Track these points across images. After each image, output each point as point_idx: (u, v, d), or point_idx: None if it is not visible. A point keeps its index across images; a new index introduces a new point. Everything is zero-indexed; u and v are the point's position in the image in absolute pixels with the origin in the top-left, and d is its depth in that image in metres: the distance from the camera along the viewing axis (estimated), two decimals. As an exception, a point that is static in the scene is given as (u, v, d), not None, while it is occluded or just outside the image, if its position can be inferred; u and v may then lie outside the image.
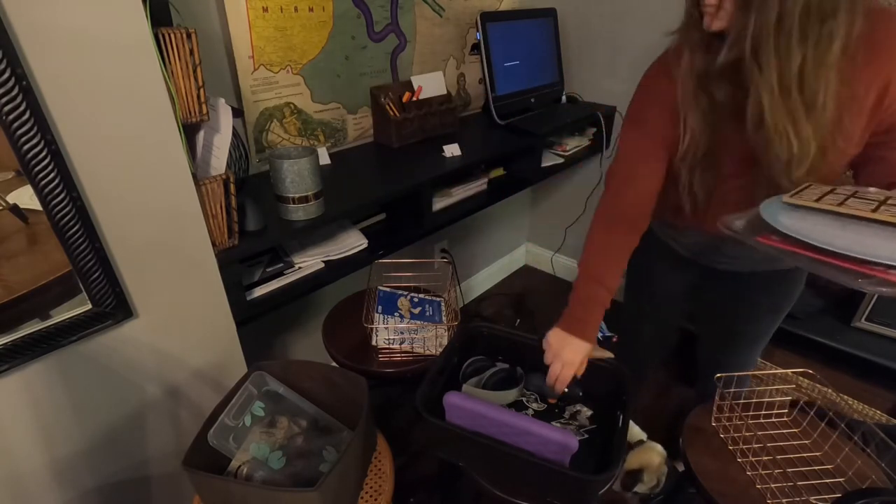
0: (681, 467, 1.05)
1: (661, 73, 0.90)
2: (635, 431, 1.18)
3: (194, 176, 0.92)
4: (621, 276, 0.97)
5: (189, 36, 0.85)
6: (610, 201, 0.98)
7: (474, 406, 0.84)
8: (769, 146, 0.79)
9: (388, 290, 1.31)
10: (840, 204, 0.70)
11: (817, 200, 0.72)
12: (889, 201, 0.70)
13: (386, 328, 1.21)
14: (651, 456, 1.10)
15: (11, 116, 0.68)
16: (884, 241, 0.64)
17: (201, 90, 0.89)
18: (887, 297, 0.61)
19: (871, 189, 0.75)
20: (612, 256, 0.96)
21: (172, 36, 0.83)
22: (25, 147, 0.70)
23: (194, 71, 0.87)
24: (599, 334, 2.13)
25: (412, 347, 1.21)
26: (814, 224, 0.69)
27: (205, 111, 0.91)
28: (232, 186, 0.98)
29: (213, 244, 0.99)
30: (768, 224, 0.71)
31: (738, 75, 0.77)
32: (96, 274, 0.83)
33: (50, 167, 0.73)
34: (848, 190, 0.75)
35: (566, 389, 0.95)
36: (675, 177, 0.93)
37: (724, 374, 1.03)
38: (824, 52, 0.71)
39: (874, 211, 0.67)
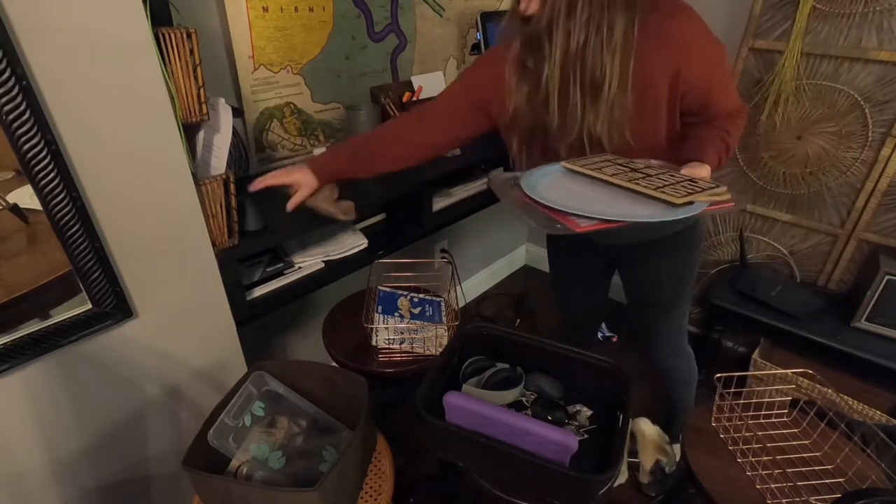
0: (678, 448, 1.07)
1: (490, 58, 1.04)
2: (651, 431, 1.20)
3: (194, 176, 0.92)
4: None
5: (189, 36, 0.85)
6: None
7: (474, 406, 0.84)
8: (553, 117, 0.92)
9: (388, 290, 1.31)
10: (598, 170, 0.88)
11: (585, 167, 0.90)
12: (648, 171, 0.88)
13: (386, 328, 1.21)
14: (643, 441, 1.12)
15: (11, 116, 0.68)
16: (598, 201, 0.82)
17: (201, 90, 0.89)
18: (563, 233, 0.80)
19: (641, 161, 0.92)
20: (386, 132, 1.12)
21: (172, 36, 0.83)
22: (25, 147, 0.70)
23: (194, 71, 0.87)
24: (600, 334, 2.13)
25: (412, 347, 1.21)
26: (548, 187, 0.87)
27: (205, 111, 0.91)
28: (232, 186, 0.98)
29: (213, 244, 0.99)
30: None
31: (533, 42, 0.89)
32: (96, 274, 0.83)
33: (50, 167, 0.73)
34: (622, 161, 0.92)
35: None
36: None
37: (723, 374, 1.03)
38: (607, 37, 0.84)
39: (626, 179, 0.84)
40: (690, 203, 0.78)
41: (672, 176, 0.86)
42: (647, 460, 1.38)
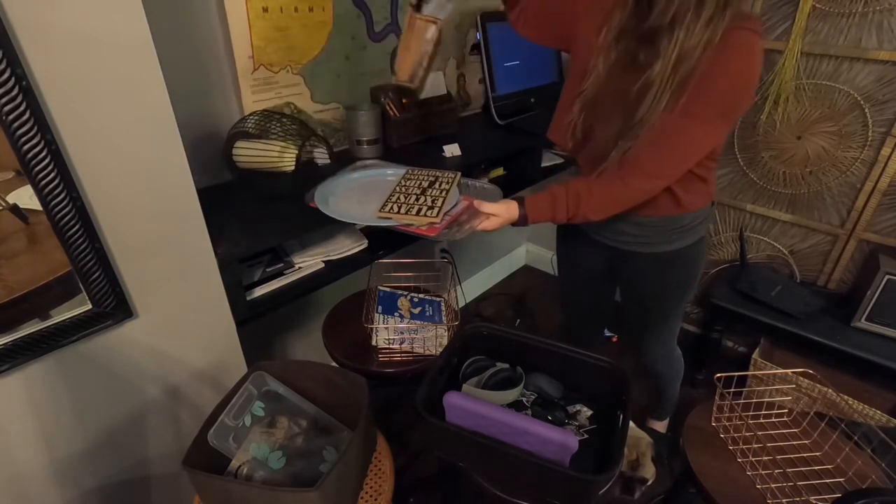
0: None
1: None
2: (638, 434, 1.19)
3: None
4: None
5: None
6: None
7: (474, 406, 0.84)
8: (638, 106, 0.89)
9: (388, 290, 1.31)
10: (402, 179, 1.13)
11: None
12: (428, 191, 1.07)
13: (386, 328, 1.21)
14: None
15: (11, 116, 0.68)
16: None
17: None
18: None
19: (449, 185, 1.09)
20: None
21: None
22: (25, 147, 0.70)
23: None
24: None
25: (412, 347, 1.21)
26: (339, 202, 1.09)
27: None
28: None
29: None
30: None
31: (651, 40, 0.86)
32: (96, 274, 0.83)
33: (50, 167, 0.73)
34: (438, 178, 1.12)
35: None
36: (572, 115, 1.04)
37: (723, 374, 1.03)
38: (712, 37, 0.82)
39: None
40: (389, 218, 1.00)
41: (431, 198, 1.04)
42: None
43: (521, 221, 1.00)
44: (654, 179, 0.96)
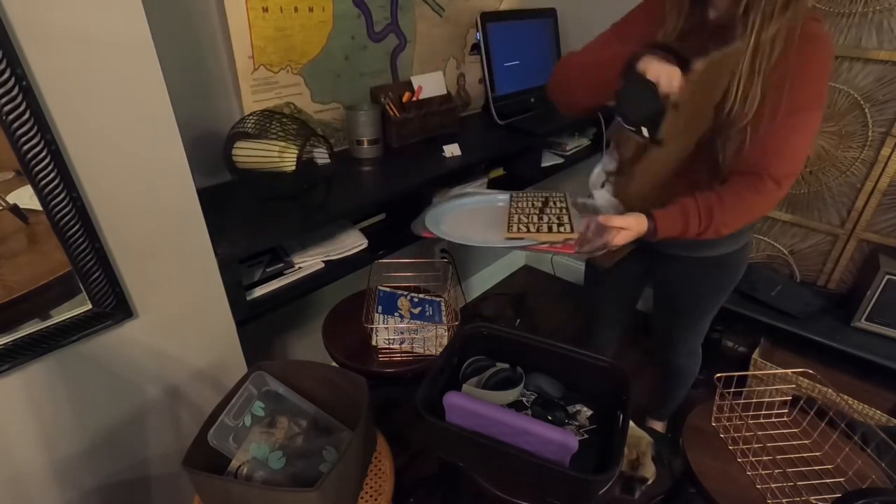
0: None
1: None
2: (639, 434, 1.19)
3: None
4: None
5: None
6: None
7: (474, 406, 0.84)
8: (723, 105, 0.87)
9: (388, 290, 1.31)
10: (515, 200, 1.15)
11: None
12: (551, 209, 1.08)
13: (386, 328, 1.21)
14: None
15: (11, 116, 0.68)
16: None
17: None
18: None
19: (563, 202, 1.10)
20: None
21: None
22: (25, 147, 0.70)
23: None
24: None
25: (412, 347, 1.21)
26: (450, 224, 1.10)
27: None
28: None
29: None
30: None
31: (722, 32, 0.84)
32: (96, 274, 0.83)
33: (50, 167, 0.73)
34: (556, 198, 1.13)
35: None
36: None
37: (723, 374, 1.03)
38: (791, 26, 0.81)
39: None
40: (520, 238, 0.99)
41: (554, 216, 1.04)
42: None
43: (649, 235, 0.96)
44: (785, 182, 0.92)
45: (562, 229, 0.99)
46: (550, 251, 0.99)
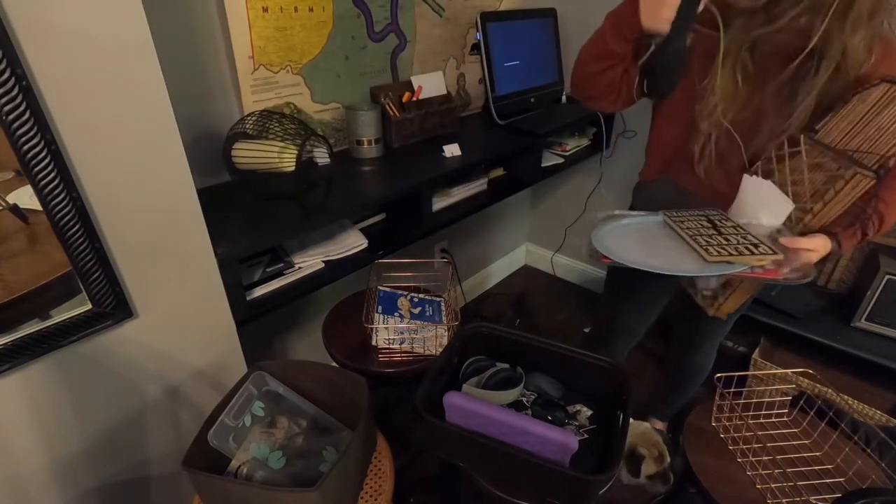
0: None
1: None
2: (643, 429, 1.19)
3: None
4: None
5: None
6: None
7: (474, 406, 0.84)
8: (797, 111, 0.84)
9: (388, 290, 1.31)
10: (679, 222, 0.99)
11: (675, 220, 1.01)
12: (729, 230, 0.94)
13: (386, 328, 1.21)
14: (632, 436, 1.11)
15: (11, 116, 0.68)
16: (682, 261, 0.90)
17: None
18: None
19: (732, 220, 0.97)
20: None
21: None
22: (25, 147, 0.70)
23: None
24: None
25: (412, 347, 1.21)
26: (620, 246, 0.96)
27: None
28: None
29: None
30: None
31: (792, 40, 0.80)
32: (96, 274, 0.83)
33: (50, 167, 0.73)
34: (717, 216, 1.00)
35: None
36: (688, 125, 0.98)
37: (723, 374, 1.03)
38: (875, 32, 0.76)
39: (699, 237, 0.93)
40: (727, 262, 0.86)
41: (739, 236, 0.92)
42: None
43: (833, 251, 0.92)
44: None
45: (760, 250, 0.87)
46: (753, 277, 0.87)
